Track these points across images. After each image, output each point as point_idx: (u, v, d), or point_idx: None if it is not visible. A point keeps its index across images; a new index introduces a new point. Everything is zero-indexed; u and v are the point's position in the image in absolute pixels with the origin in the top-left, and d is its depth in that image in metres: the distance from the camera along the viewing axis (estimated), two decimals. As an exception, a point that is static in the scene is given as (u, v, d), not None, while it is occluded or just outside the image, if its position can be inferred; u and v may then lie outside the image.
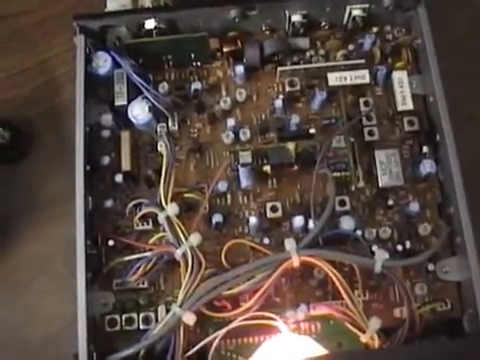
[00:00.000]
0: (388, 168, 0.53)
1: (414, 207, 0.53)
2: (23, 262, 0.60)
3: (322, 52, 0.59)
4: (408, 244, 0.53)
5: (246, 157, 0.53)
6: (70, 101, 0.56)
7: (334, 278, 0.49)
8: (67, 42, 0.58)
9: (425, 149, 0.56)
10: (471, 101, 0.62)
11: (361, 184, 0.54)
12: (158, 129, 0.56)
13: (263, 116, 0.57)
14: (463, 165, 0.54)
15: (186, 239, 0.51)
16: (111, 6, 0.59)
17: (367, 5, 0.57)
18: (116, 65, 0.56)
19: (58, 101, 0.63)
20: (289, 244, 0.50)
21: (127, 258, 0.53)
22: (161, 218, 0.51)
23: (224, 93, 0.58)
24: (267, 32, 0.59)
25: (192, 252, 0.51)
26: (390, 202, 0.54)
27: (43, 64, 0.65)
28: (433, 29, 0.57)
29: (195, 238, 0.51)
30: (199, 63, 0.58)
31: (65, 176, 0.54)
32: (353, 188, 0.55)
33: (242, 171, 0.53)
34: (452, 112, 0.55)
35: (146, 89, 0.55)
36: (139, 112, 0.54)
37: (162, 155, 0.54)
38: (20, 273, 0.60)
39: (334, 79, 0.56)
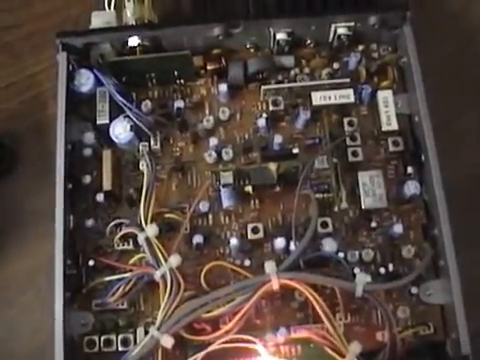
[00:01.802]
0: (371, 190, 0.53)
1: (398, 229, 0.53)
2: (8, 278, 0.60)
3: (307, 70, 0.58)
4: (391, 267, 0.53)
5: (227, 177, 0.52)
6: (56, 117, 0.55)
7: (314, 302, 0.49)
8: (53, 57, 0.57)
9: (410, 170, 0.55)
10: (459, 120, 0.61)
11: (344, 205, 0.54)
12: (140, 148, 0.55)
13: (246, 135, 0.56)
14: (451, 184, 0.53)
15: (166, 260, 0.50)
16: (95, 23, 0.59)
17: (353, 23, 0.56)
18: (99, 83, 0.56)
19: (44, 116, 0.63)
20: (269, 267, 0.49)
21: (107, 278, 0.52)
22: (141, 239, 0.51)
23: (207, 111, 0.57)
24: (252, 50, 0.59)
25: (171, 274, 0.50)
26: (373, 224, 0.54)
27: (30, 79, 0.65)
28: (420, 47, 0.57)
29: (175, 260, 0.50)
30: (183, 81, 0.58)
31: (51, 192, 0.53)
32: (336, 209, 0.54)
33: (224, 191, 0.53)
34: (439, 131, 0.55)
35: (128, 108, 0.54)
36: (121, 131, 0.54)
37: (144, 173, 0.53)
38: (5, 289, 0.59)
39: (318, 98, 0.55)
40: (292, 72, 0.58)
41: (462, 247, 0.52)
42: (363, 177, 0.53)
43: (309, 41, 0.58)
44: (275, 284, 0.49)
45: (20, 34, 0.67)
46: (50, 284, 0.51)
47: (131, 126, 0.54)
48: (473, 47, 0.64)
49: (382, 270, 0.53)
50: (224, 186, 0.53)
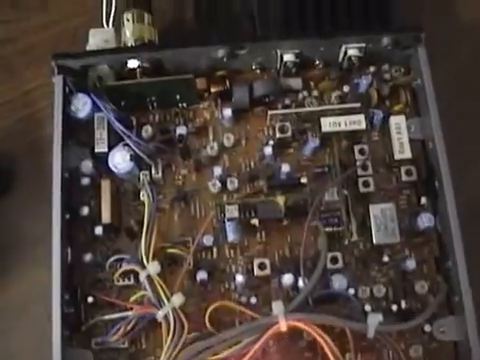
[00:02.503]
0: (383, 224, 0.50)
1: (411, 264, 0.51)
2: (5, 305, 0.57)
3: (315, 93, 0.55)
4: (403, 304, 0.51)
5: (233, 211, 0.50)
6: (53, 138, 0.53)
7: (323, 344, 0.47)
8: (50, 74, 0.54)
9: (423, 200, 0.53)
10: (471, 141, 0.59)
11: (354, 238, 0.52)
12: (141, 177, 0.53)
13: (252, 163, 0.54)
14: (467, 208, 0.51)
15: (168, 300, 0.48)
16: (93, 41, 0.56)
17: (364, 44, 0.54)
18: (97, 108, 0.53)
19: (41, 135, 0.60)
20: (277, 308, 0.47)
21: (107, 317, 0.50)
22: (142, 277, 0.49)
23: (211, 137, 0.55)
24: (257, 71, 0.56)
25: (174, 314, 0.48)
26: (385, 258, 0.51)
27: (26, 96, 0.63)
28: (432, 67, 0.54)
29: (178, 299, 0.48)
30: (185, 104, 0.55)
31: (48, 214, 0.51)
32: (346, 242, 0.52)
33: (229, 225, 0.51)
34: (451, 153, 0.53)
35: (127, 136, 0.51)
36: (120, 161, 0.52)
37: (145, 204, 0.51)
38: (2, 316, 0.57)
39: (328, 125, 0.53)
40: (300, 95, 0.55)
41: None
42: (375, 210, 0.51)
43: (318, 62, 0.55)
44: (283, 326, 0.47)
45: (15, 48, 0.64)
46: (47, 313, 0.49)
47: (131, 155, 0.51)
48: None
49: (394, 307, 0.51)
50: (229, 220, 0.50)
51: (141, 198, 0.52)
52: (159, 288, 0.49)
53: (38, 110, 0.62)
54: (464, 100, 0.60)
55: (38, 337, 0.55)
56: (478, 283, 0.50)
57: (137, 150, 0.52)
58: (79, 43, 0.58)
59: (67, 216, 0.52)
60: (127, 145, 0.52)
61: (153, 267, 0.49)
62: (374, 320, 0.47)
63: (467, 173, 0.57)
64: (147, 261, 0.49)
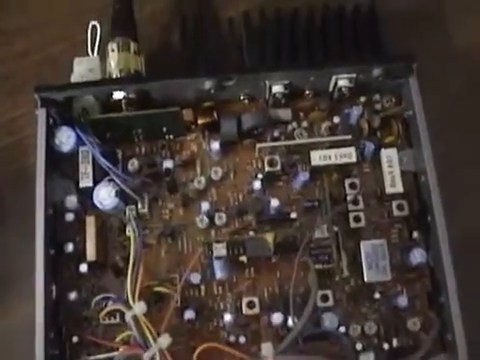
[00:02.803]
0: (374, 261, 0.49)
1: (403, 301, 0.50)
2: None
3: (305, 124, 0.54)
4: (395, 342, 0.50)
5: (221, 249, 0.49)
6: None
7: (314, 386, 0.45)
8: (34, 101, 0.53)
9: (415, 234, 0.52)
10: (463, 170, 0.57)
11: (345, 274, 0.50)
12: (127, 212, 0.52)
13: (240, 197, 0.53)
14: (455, 239, 0.50)
15: (155, 340, 0.47)
16: (78, 70, 0.55)
17: (354, 75, 0.52)
18: (81, 141, 0.52)
19: (26, 165, 0.59)
20: (266, 350, 0.47)
21: (92, 357, 0.49)
22: (128, 317, 0.48)
23: (199, 170, 0.54)
24: (246, 101, 0.54)
25: (161, 356, 0.47)
26: (376, 295, 0.50)
27: (10, 124, 0.61)
28: (424, 96, 0.53)
29: (164, 340, 0.47)
30: (171, 136, 0.53)
31: (33, 248, 0.50)
32: (337, 278, 0.51)
33: (216, 263, 0.50)
34: (444, 185, 0.52)
35: (113, 171, 0.50)
36: (105, 197, 0.50)
37: (131, 240, 0.50)
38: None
39: (318, 158, 0.51)
40: (289, 126, 0.54)
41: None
42: (366, 247, 0.50)
43: (308, 92, 0.54)
44: (272, 368, 0.46)
45: (-2, 74, 0.62)
46: (32, 350, 0.48)
47: (116, 191, 0.50)
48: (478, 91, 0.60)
49: (386, 346, 0.50)
50: (217, 258, 0.49)
51: (127, 233, 0.51)
52: (145, 329, 0.48)
53: (23, 138, 0.60)
54: (457, 129, 0.58)
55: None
56: (473, 319, 0.49)
57: (122, 185, 0.51)
58: (63, 69, 0.56)
59: (52, 252, 0.51)
60: (112, 180, 0.51)
61: (139, 307, 0.48)
62: (365, 361, 0.46)
63: (460, 205, 0.55)
64: (133, 301, 0.48)
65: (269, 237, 0.49)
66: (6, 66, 0.63)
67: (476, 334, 0.49)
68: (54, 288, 0.51)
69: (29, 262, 0.51)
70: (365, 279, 0.50)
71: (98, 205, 0.51)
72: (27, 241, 0.53)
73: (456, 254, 0.50)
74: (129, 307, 0.48)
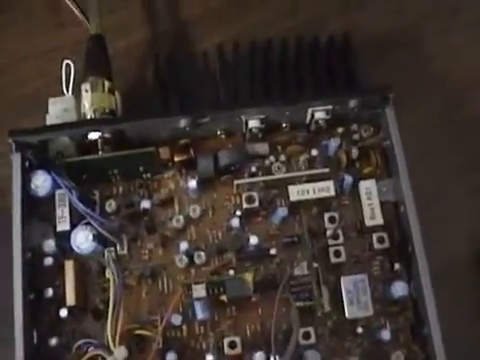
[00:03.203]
0: (355, 297, 0.49)
1: (386, 335, 0.50)
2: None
3: (283, 158, 0.54)
4: (379, 378, 0.49)
5: (200, 291, 0.49)
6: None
7: None
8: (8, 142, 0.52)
9: (397, 266, 0.51)
10: (444, 196, 0.57)
11: (327, 309, 0.50)
12: (105, 254, 0.51)
13: (219, 234, 0.53)
14: (443, 265, 0.52)
15: (137, 387, 0.47)
16: (53, 110, 0.55)
17: (331, 107, 0.52)
18: (57, 185, 0.51)
19: (3, 207, 0.58)
20: (247, 391, 0.46)
21: (76, 404, 0.48)
22: (109, 363, 0.47)
23: (177, 208, 0.53)
24: (222, 136, 0.54)
25: (144, 401, 0.46)
26: (359, 330, 0.50)
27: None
28: (404, 115, 0.53)
29: (146, 386, 0.47)
30: (149, 175, 0.53)
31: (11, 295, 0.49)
32: (319, 314, 0.50)
33: (197, 304, 0.49)
34: (426, 207, 0.52)
35: (89, 216, 0.50)
36: (83, 241, 0.50)
37: (110, 282, 0.49)
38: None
39: (296, 193, 0.51)
40: (267, 161, 0.54)
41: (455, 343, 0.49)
42: (346, 283, 0.50)
43: (284, 125, 0.54)
44: None
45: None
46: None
47: (94, 235, 0.50)
48: (458, 113, 0.60)
49: (370, 381, 0.49)
50: (197, 300, 0.48)
51: (107, 275, 0.51)
52: (127, 374, 0.47)
53: (0, 179, 0.59)
54: (435, 155, 0.58)
55: None
56: (459, 348, 0.49)
57: (100, 229, 0.50)
58: (39, 107, 0.56)
59: (31, 296, 0.51)
60: (89, 223, 0.50)
61: (120, 352, 0.48)
62: (349, 401, 0.46)
63: (443, 233, 0.55)
64: (114, 346, 0.48)
65: (248, 277, 0.49)
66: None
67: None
68: (35, 334, 0.50)
69: (8, 309, 0.50)
70: (346, 315, 0.49)
71: (76, 249, 0.50)
72: (5, 286, 0.52)
73: (439, 284, 0.49)
74: (110, 352, 0.48)
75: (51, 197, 0.52)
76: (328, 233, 0.51)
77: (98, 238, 0.51)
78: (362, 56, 0.58)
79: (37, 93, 0.61)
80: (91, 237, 0.50)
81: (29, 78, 0.63)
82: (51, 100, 0.55)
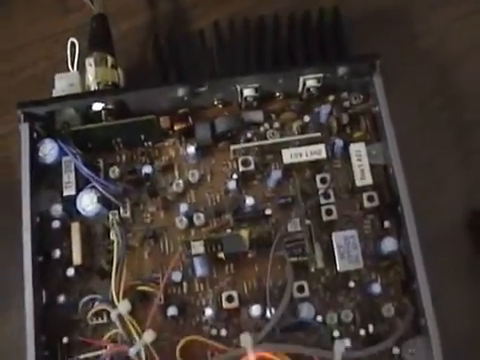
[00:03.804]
0: (346, 251, 0.52)
1: (376, 288, 0.52)
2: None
3: (277, 125, 0.57)
4: (371, 328, 0.52)
5: (198, 247, 0.51)
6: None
7: (292, 373, 0.48)
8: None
9: (387, 224, 0.54)
10: (440, 163, 0.60)
11: (320, 265, 0.52)
12: (110, 217, 0.54)
13: (218, 197, 0.55)
14: (432, 231, 0.54)
15: (140, 337, 0.49)
16: (59, 85, 0.58)
17: (321, 75, 0.55)
18: (64, 152, 0.54)
19: (13, 181, 0.60)
20: (245, 340, 0.49)
21: (82, 356, 0.51)
22: (113, 316, 0.50)
23: (177, 174, 0.56)
24: (220, 106, 0.57)
25: (146, 351, 0.49)
26: (351, 284, 0.52)
27: (-3, 142, 0.63)
28: (396, 88, 0.56)
29: (149, 336, 0.50)
30: (150, 143, 0.56)
31: (20, 261, 0.52)
32: (312, 270, 0.53)
33: (196, 260, 0.52)
34: (419, 175, 0.55)
35: (94, 179, 0.53)
36: (88, 203, 0.53)
37: (114, 243, 0.52)
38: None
39: (289, 156, 0.54)
40: (262, 128, 0.56)
41: (446, 299, 0.52)
42: (337, 238, 0.52)
43: (278, 94, 0.56)
44: (251, 358, 0.48)
45: (-17, 95, 0.65)
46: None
47: (98, 197, 0.53)
48: (449, 85, 0.62)
49: (362, 332, 0.51)
50: (195, 256, 0.51)
51: (111, 237, 0.54)
52: (130, 326, 0.50)
53: (9, 156, 0.63)
54: (430, 124, 0.61)
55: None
56: (448, 303, 0.51)
57: (104, 192, 0.53)
58: (46, 87, 0.59)
59: (40, 259, 0.53)
60: (94, 187, 0.53)
61: (123, 306, 0.50)
62: (340, 347, 0.48)
63: (433, 198, 0.58)
64: (117, 300, 0.50)
65: (244, 233, 0.52)
66: (-7, 87, 0.65)
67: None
68: (44, 293, 0.53)
69: (15, 277, 0.53)
70: (338, 268, 0.52)
71: (82, 212, 0.53)
72: (16, 254, 0.55)
73: (430, 244, 0.52)
74: (114, 306, 0.50)
75: (58, 165, 0.55)
76: (320, 193, 0.53)
77: (102, 201, 0.53)
78: (353, 32, 0.61)
79: (44, 74, 0.64)
80: (96, 199, 0.53)
81: (36, 60, 0.66)
82: (57, 76, 0.58)
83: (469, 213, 0.59)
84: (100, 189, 0.53)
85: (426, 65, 0.63)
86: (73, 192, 0.54)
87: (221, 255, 0.52)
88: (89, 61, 0.57)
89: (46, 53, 0.65)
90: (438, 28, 0.65)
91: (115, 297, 0.50)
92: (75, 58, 0.59)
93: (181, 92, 0.54)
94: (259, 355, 0.49)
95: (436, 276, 0.51)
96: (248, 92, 0.55)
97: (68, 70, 0.60)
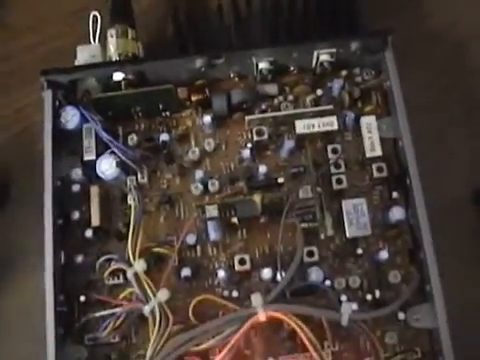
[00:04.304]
0: (355, 218, 0.53)
1: (383, 255, 0.53)
2: (1, 313, 0.60)
3: (291, 98, 0.58)
4: (378, 293, 0.53)
5: (212, 211, 0.53)
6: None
7: (301, 333, 0.49)
8: (40, 90, 0.58)
9: (395, 195, 0.55)
10: (448, 140, 0.62)
11: (330, 233, 0.54)
12: (127, 182, 0.56)
13: (232, 165, 0.57)
14: (442, 204, 0.56)
15: (154, 295, 0.51)
16: (81, 57, 0.60)
17: (334, 50, 0.57)
18: (85, 119, 0.56)
19: (33, 150, 0.63)
20: (256, 300, 0.50)
21: (98, 314, 0.53)
22: (129, 275, 0.52)
23: (193, 143, 0.58)
24: (235, 79, 0.59)
25: (160, 309, 0.51)
26: (359, 250, 0.54)
27: (18, 112, 0.66)
28: (407, 66, 0.57)
29: (163, 295, 0.51)
30: (168, 113, 0.58)
31: (42, 225, 0.54)
32: (322, 237, 0.54)
33: (210, 224, 0.54)
34: (428, 151, 0.56)
35: (114, 144, 0.55)
36: (107, 167, 0.55)
37: (132, 207, 0.54)
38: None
39: (302, 127, 0.56)
40: (276, 100, 0.58)
41: (451, 269, 0.53)
42: (347, 205, 0.54)
43: (292, 68, 0.58)
44: (262, 317, 0.50)
45: (7, 68, 0.67)
46: (41, 319, 0.52)
47: (117, 162, 0.55)
48: (458, 64, 0.64)
49: (369, 297, 0.53)
50: (209, 220, 0.53)
51: (128, 202, 0.55)
52: (145, 285, 0.52)
53: (30, 125, 0.65)
54: (439, 101, 0.63)
55: (32, 343, 0.57)
56: (453, 271, 0.53)
57: (123, 157, 0.55)
58: (67, 62, 0.61)
59: (60, 221, 0.55)
60: (113, 153, 0.55)
61: (139, 265, 0.52)
62: (347, 308, 0.50)
63: (443, 172, 0.60)
64: (134, 259, 0.52)
65: (257, 198, 0.53)
66: (14, 60, 0.68)
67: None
68: (62, 254, 0.55)
69: (37, 240, 0.55)
70: (347, 235, 0.53)
71: (101, 175, 0.55)
72: (35, 220, 0.56)
73: (438, 215, 0.53)
74: (130, 265, 0.52)
75: (79, 131, 0.57)
76: (331, 162, 0.55)
77: (121, 166, 0.55)
78: (365, 13, 0.63)
79: (65, 49, 0.66)
80: (115, 164, 0.55)
81: (57, 36, 0.68)
82: (79, 47, 0.60)
83: (475, 191, 0.60)
84: (119, 154, 0.55)
85: (437, 44, 0.65)
86: (93, 157, 0.56)
87: (234, 220, 0.54)
88: (111, 32, 0.59)
89: (68, 29, 0.67)
90: (449, 9, 0.66)
91: (131, 256, 0.52)
92: (97, 32, 0.61)
93: (199, 63, 0.56)
94: (269, 315, 0.50)
95: (441, 247, 0.52)
96: (263, 65, 0.57)
97: (89, 43, 0.62)
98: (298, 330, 0.49)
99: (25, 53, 0.67)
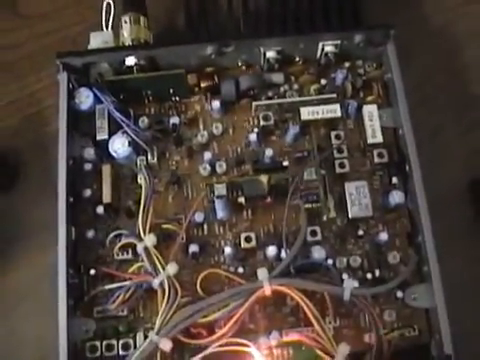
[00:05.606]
0: (357, 199, 0.55)
1: (383, 237, 0.56)
2: (10, 288, 0.62)
3: (296, 87, 0.61)
4: (377, 272, 0.55)
5: (221, 189, 0.55)
6: (57, 133, 0.58)
7: (304, 306, 0.51)
8: (53, 75, 0.60)
9: (394, 180, 0.58)
10: (442, 134, 0.64)
11: (332, 214, 0.56)
12: (138, 162, 0.58)
13: (238, 149, 0.59)
14: (434, 195, 0.56)
15: (163, 269, 0.53)
16: (94, 43, 0.62)
17: (339, 41, 0.59)
18: (98, 100, 0.58)
19: (45, 132, 0.65)
20: (261, 274, 0.52)
21: (107, 287, 0.55)
22: (139, 248, 0.54)
23: (201, 127, 0.60)
24: (243, 67, 0.61)
25: (169, 281, 0.53)
26: (360, 232, 0.56)
27: (31, 96, 0.68)
28: (406, 62, 0.60)
29: (172, 268, 0.53)
30: (178, 98, 0.60)
31: (52, 204, 0.56)
32: (325, 218, 0.57)
33: (218, 203, 0.56)
34: (425, 143, 0.59)
35: (126, 124, 0.57)
36: (119, 146, 0.57)
37: (142, 187, 0.56)
38: (7, 299, 0.61)
39: (307, 113, 0.58)
40: (282, 88, 0.61)
41: (447, 254, 0.55)
42: (349, 187, 0.56)
43: (298, 58, 0.61)
44: (267, 290, 0.52)
45: (21, 53, 0.69)
46: (51, 293, 0.54)
47: (129, 141, 0.57)
48: (455, 63, 0.67)
49: (369, 276, 0.55)
50: (218, 197, 0.55)
51: (139, 181, 0.58)
52: (155, 258, 0.54)
53: (43, 109, 0.67)
54: (436, 97, 0.66)
55: (42, 317, 0.59)
56: (448, 258, 0.55)
57: (134, 137, 0.57)
58: (80, 48, 0.63)
59: (71, 199, 0.57)
60: (125, 132, 0.57)
61: (149, 239, 0.54)
62: (349, 284, 0.52)
63: (438, 166, 0.63)
64: (144, 234, 0.54)
65: (263, 178, 0.56)
66: (28, 46, 0.70)
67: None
68: (73, 230, 0.57)
69: (48, 218, 0.57)
70: (349, 215, 0.56)
71: (113, 154, 0.57)
72: (46, 199, 0.60)
73: (435, 203, 0.56)
74: (140, 240, 0.54)
75: (92, 113, 0.59)
76: (334, 147, 0.58)
77: (133, 145, 0.57)
78: (368, 12, 0.66)
79: (78, 37, 0.68)
80: (127, 143, 0.57)
81: (70, 24, 0.70)
82: (92, 34, 0.62)
83: (470, 181, 0.63)
84: (131, 134, 0.57)
85: (435, 44, 0.68)
86: (105, 136, 0.58)
87: (241, 200, 0.56)
88: (124, 19, 0.61)
89: (80, 17, 0.70)
90: (447, 10, 0.69)
91: (142, 231, 0.54)
92: (110, 19, 0.63)
93: (209, 50, 0.59)
94: (274, 289, 0.52)
95: (437, 233, 0.55)
96: (271, 54, 0.60)
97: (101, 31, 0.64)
98: (302, 303, 0.52)
99: (38, 40, 0.70)
